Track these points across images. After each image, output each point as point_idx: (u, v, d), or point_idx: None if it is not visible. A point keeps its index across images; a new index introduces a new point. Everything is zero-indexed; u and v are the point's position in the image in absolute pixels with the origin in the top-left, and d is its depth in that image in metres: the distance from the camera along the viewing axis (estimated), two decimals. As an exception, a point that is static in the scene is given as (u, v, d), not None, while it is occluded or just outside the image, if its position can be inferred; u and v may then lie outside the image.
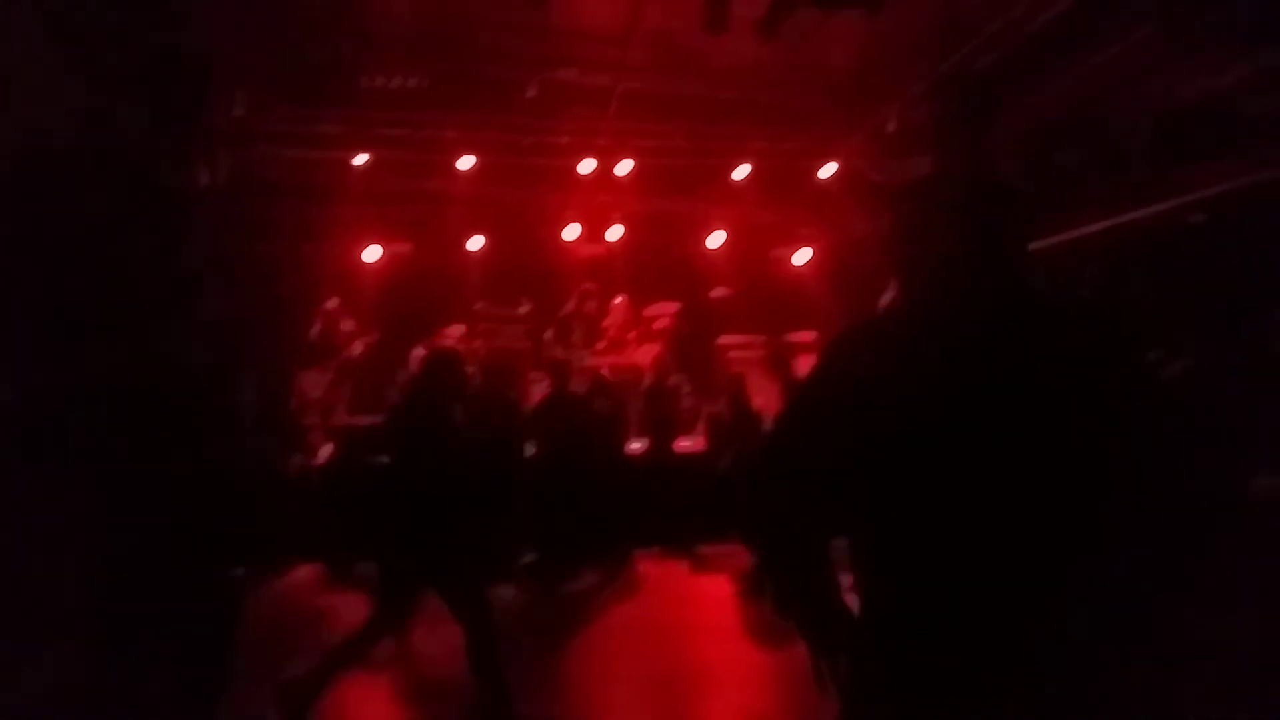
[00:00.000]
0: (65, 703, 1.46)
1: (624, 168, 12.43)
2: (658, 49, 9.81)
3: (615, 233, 13.71)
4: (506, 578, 7.93)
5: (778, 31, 8.19)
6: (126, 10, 7.50)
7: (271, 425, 8.95)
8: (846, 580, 1.84)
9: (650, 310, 12.56)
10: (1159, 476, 1.56)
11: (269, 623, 6.63)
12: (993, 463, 1.56)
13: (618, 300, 12.41)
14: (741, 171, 12.76)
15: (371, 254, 13.05)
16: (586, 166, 12.38)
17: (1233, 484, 1.66)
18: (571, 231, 13.61)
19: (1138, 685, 1.53)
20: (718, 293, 13.69)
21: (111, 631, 1.54)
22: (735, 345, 12.43)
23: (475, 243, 13.42)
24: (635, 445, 9.84)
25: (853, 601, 1.82)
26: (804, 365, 11.71)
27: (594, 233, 13.71)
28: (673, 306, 12.55)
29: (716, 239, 13.98)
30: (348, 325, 10.78)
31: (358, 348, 10.75)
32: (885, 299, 10.67)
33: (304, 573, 8.38)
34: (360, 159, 11.87)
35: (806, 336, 12.67)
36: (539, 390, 10.71)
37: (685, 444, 10.21)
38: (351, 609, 6.74)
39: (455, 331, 12.28)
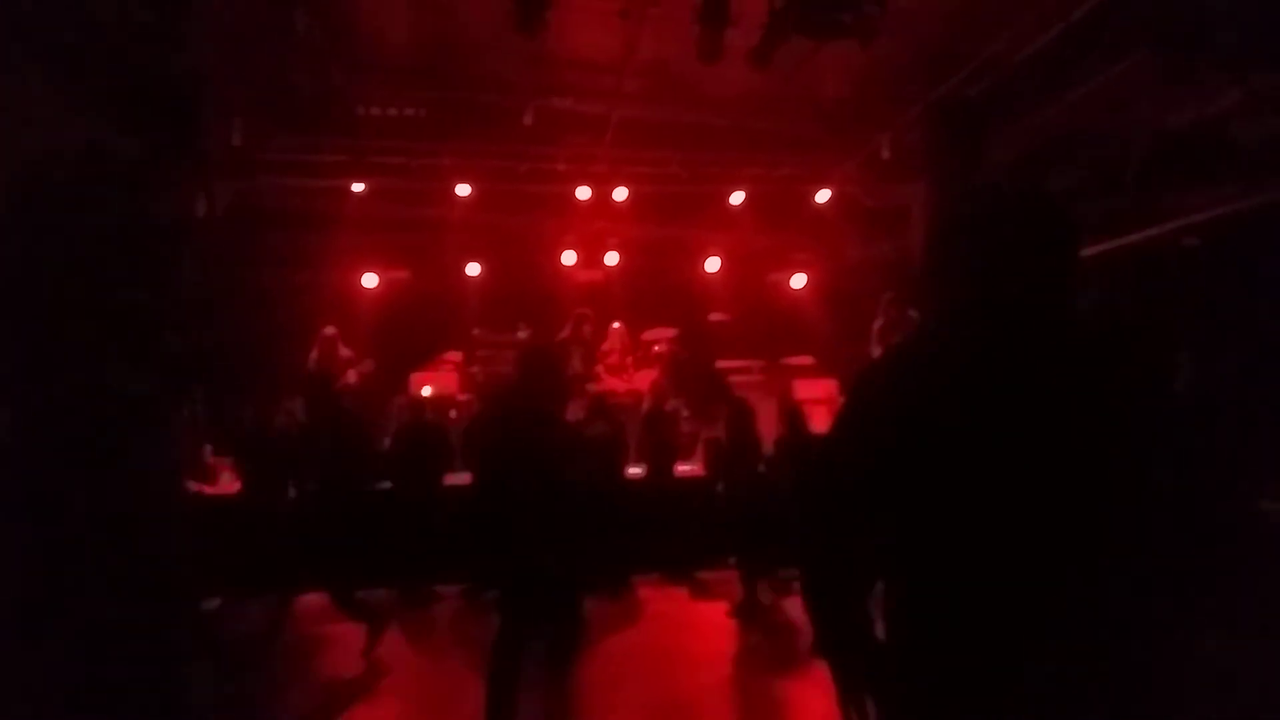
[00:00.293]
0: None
1: (620, 194, 12.51)
2: (653, 77, 9.89)
3: (612, 258, 13.78)
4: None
5: (771, 60, 8.26)
6: (123, 40, 7.55)
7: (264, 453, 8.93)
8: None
9: (648, 335, 12.60)
10: (1203, 499, 1.54)
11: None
12: (1044, 491, 1.53)
13: (615, 325, 12.45)
14: (737, 197, 12.83)
15: (370, 281, 13.11)
16: (583, 193, 12.46)
17: (1253, 506, 1.65)
18: (568, 257, 13.68)
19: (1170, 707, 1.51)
20: (715, 317, 13.74)
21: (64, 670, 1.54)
22: (733, 369, 12.46)
23: (473, 269, 13.49)
24: (634, 470, 9.84)
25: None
26: (803, 389, 11.76)
27: (591, 258, 13.78)
28: (670, 331, 12.59)
29: (713, 264, 14.05)
30: (345, 353, 10.80)
31: (353, 376, 10.76)
32: (877, 325, 10.77)
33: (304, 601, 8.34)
34: (358, 187, 11.94)
35: (803, 360, 12.71)
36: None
37: (684, 468, 10.21)
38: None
39: (454, 357, 12.32)
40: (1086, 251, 7.18)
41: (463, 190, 12.13)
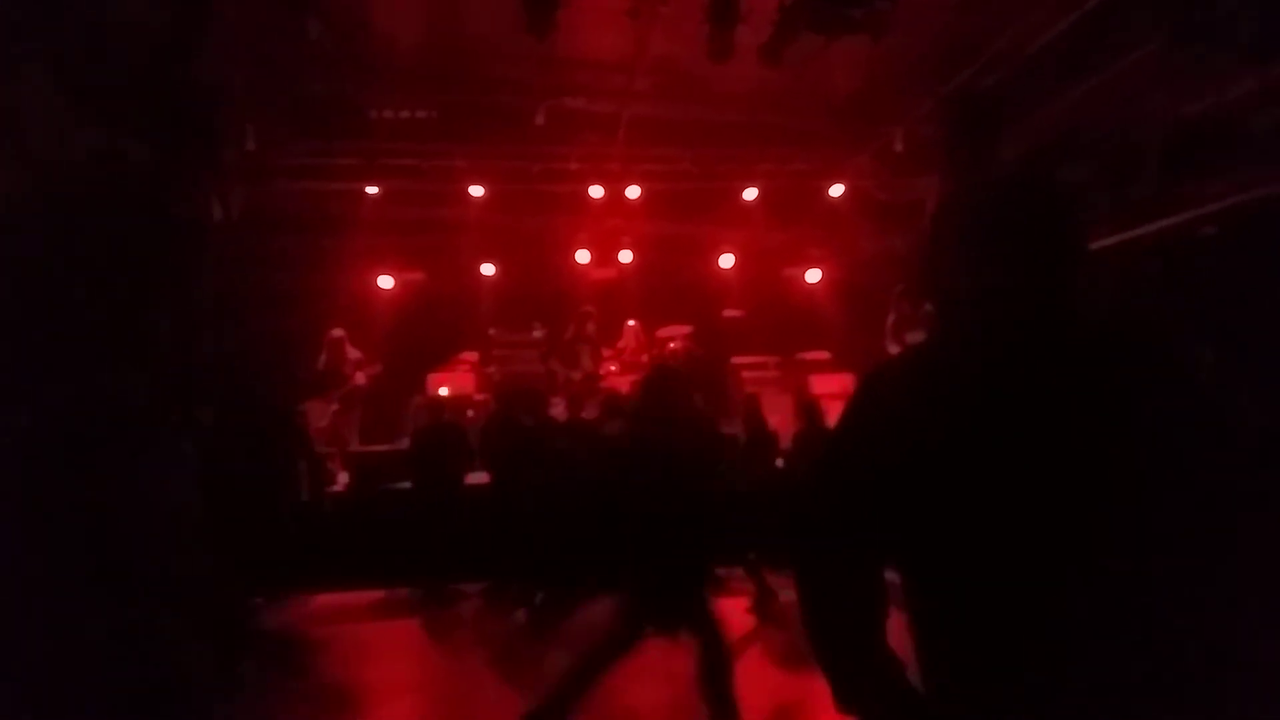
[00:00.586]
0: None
1: (633, 192, 12.51)
2: (663, 75, 9.89)
3: (626, 256, 13.79)
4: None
5: (782, 56, 8.24)
6: (137, 47, 7.61)
7: (292, 454, 8.99)
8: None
9: (663, 332, 12.59)
10: (1230, 495, 1.47)
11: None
12: (1055, 496, 1.47)
13: (630, 323, 12.45)
14: (750, 193, 12.81)
15: (385, 283, 13.16)
16: (596, 192, 12.48)
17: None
18: (582, 256, 13.69)
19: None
20: (729, 314, 13.72)
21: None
22: (748, 365, 12.45)
23: (487, 269, 13.52)
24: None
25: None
26: (819, 384, 11.73)
27: (605, 257, 13.79)
28: (685, 328, 12.58)
29: (727, 260, 14.03)
30: (353, 354, 10.82)
31: (361, 377, 10.80)
32: (890, 319, 10.72)
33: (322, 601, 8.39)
34: (372, 190, 11.98)
35: (819, 355, 12.68)
36: (556, 414, 10.77)
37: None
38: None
39: (470, 357, 12.36)
40: (1104, 242, 7.14)
41: (476, 191, 12.17)
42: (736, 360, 12.57)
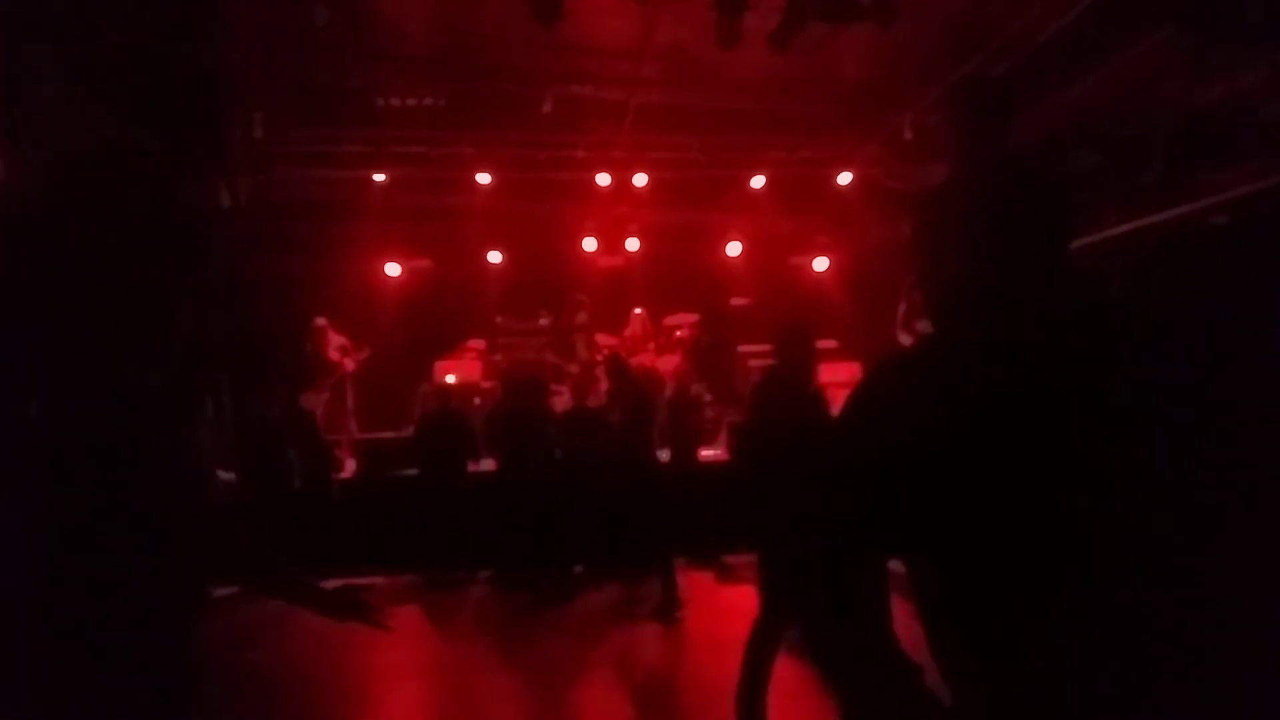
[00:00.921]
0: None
1: (640, 180, 12.48)
2: (671, 62, 9.86)
3: (633, 244, 13.78)
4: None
5: (790, 43, 8.21)
6: (146, 36, 7.61)
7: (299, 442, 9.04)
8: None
9: (670, 320, 12.60)
10: (1234, 492, 1.41)
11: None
12: (1062, 487, 1.43)
13: (637, 311, 12.46)
14: (757, 181, 12.78)
15: (392, 270, 13.19)
16: (603, 180, 12.45)
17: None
18: (590, 244, 13.69)
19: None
20: (737, 302, 13.71)
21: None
22: (755, 353, 12.44)
23: (494, 257, 13.53)
24: (659, 455, 9.85)
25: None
26: (826, 372, 11.71)
27: (612, 245, 13.79)
28: (692, 316, 12.59)
29: (734, 248, 14.01)
30: (337, 341, 10.82)
31: (350, 363, 10.82)
32: (901, 309, 10.68)
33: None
34: (379, 177, 11.99)
35: (827, 344, 12.67)
36: (560, 402, 10.80)
37: (708, 453, 10.21)
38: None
39: (477, 345, 12.38)
40: (1113, 231, 7.08)
41: (483, 179, 12.16)
42: (743, 348, 12.56)
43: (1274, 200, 6.47)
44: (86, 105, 6.87)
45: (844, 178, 12.67)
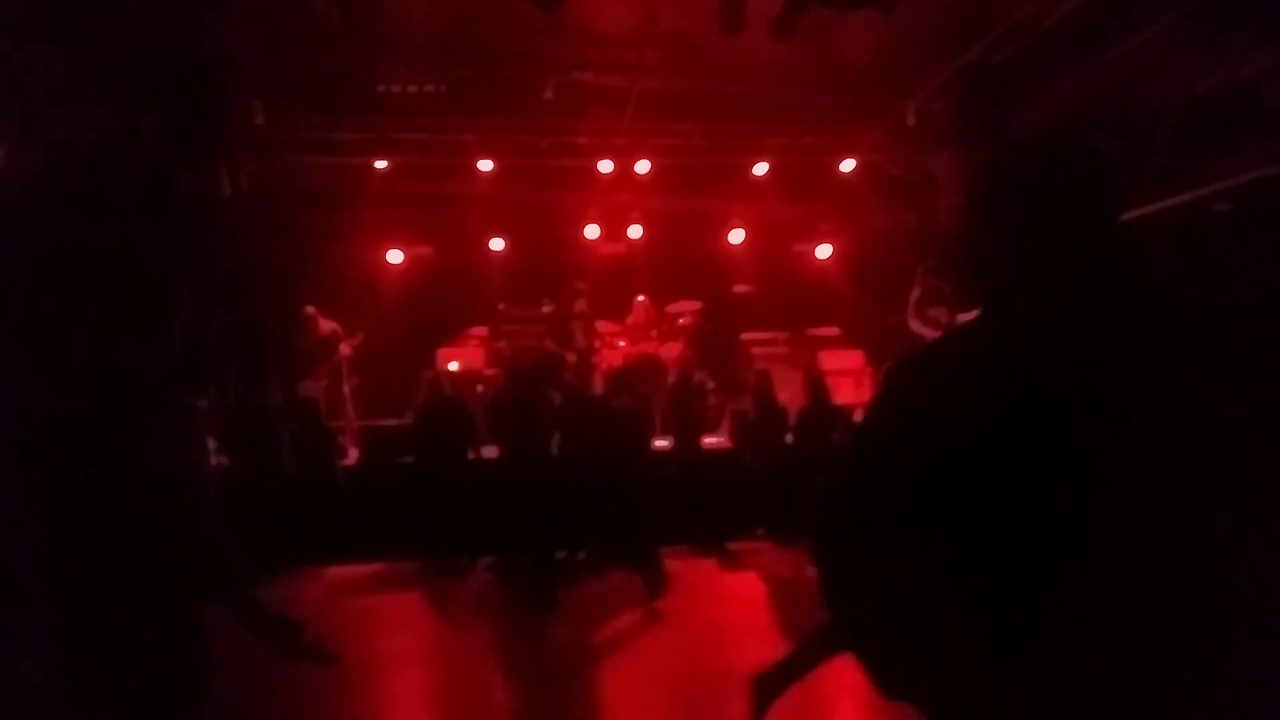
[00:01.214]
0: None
1: (643, 167, 12.45)
2: (673, 48, 9.81)
3: (635, 231, 13.77)
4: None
5: (793, 30, 8.17)
6: (145, 22, 7.58)
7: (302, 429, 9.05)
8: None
9: (672, 307, 12.59)
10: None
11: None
12: (1117, 478, 1.36)
13: (640, 299, 12.45)
14: (760, 168, 12.74)
15: (395, 257, 13.18)
16: (605, 167, 12.42)
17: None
18: (592, 231, 13.69)
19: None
20: (740, 289, 13.71)
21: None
22: (758, 341, 12.45)
23: (496, 244, 13.53)
24: (661, 442, 9.87)
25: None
26: (829, 360, 11.73)
27: (614, 232, 13.79)
28: (695, 304, 12.58)
29: (737, 236, 14.00)
30: (327, 327, 10.80)
31: (346, 349, 10.82)
32: (914, 295, 10.66)
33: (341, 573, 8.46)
34: (381, 164, 11.97)
35: (829, 331, 12.68)
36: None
37: (711, 440, 10.22)
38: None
39: (479, 332, 12.39)
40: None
41: (485, 166, 12.13)
42: (746, 336, 12.57)
43: (1278, 187, 6.45)
44: (87, 94, 6.86)
45: (847, 165, 12.63)
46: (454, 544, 8.66)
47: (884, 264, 12.73)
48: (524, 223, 13.32)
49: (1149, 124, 7.98)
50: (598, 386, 10.00)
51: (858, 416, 9.44)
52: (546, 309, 12.23)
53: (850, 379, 11.62)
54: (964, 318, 10.20)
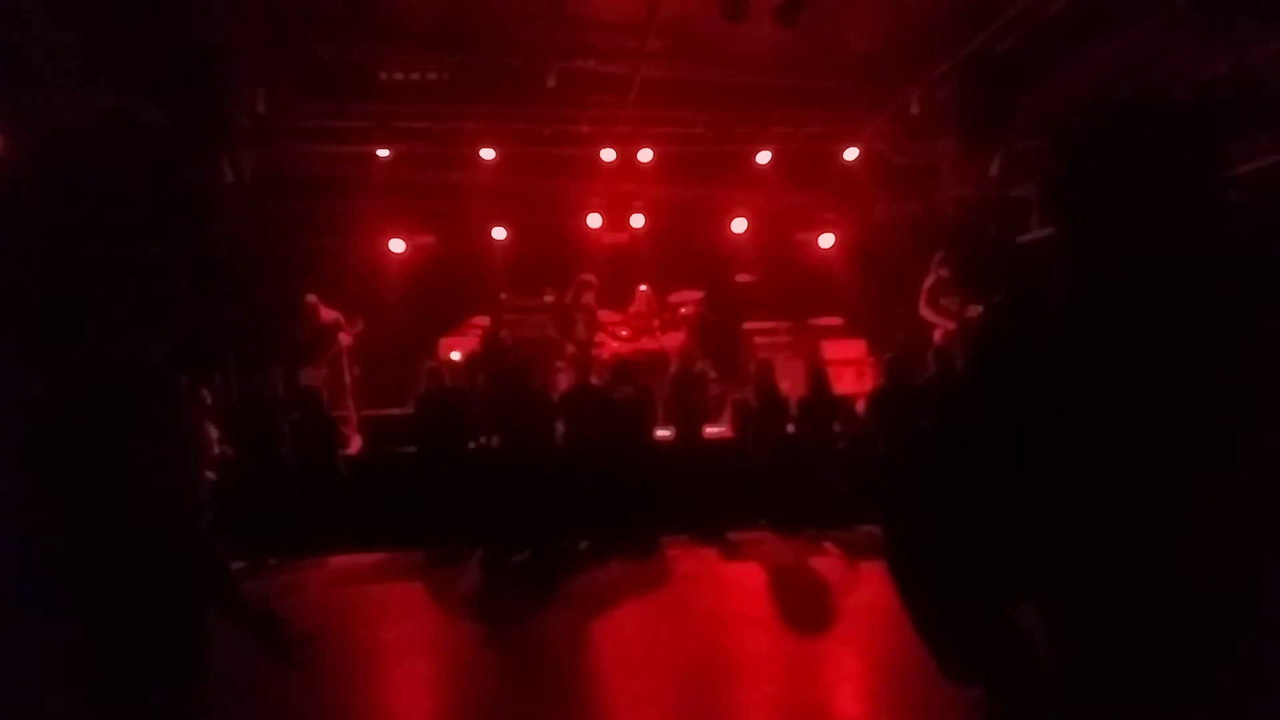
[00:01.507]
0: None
1: (645, 155, 12.41)
2: (676, 36, 9.78)
3: (638, 220, 13.75)
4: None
5: (797, 17, 8.13)
6: (148, 11, 7.56)
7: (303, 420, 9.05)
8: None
9: (674, 297, 12.56)
10: None
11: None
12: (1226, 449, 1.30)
13: (642, 288, 12.42)
14: (763, 157, 12.70)
15: (397, 246, 13.16)
16: (608, 155, 12.38)
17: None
18: (594, 220, 13.66)
19: None
20: (742, 278, 13.68)
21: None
22: (760, 331, 12.42)
23: (499, 233, 13.51)
24: (663, 432, 9.86)
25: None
26: (831, 349, 11.71)
27: (617, 221, 13.77)
28: (697, 293, 12.55)
29: (739, 225, 13.97)
30: (329, 316, 10.77)
31: (346, 338, 10.80)
32: (928, 282, 10.61)
33: (341, 562, 8.46)
34: (383, 152, 11.94)
35: (832, 320, 12.65)
36: (565, 379, 10.80)
37: (713, 430, 10.22)
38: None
39: (481, 321, 12.36)
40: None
41: (487, 154, 12.11)
42: (748, 325, 12.54)
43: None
44: (89, 82, 6.84)
45: (850, 153, 12.59)
46: (456, 533, 8.66)
47: (887, 253, 12.70)
48: (526, 211, 13.30)
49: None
50: (598, 376, 9.99)
51: (859, 406, 9.44)
52: (549, 298, 12.20)
53: (852, 369, 11.60)
54: (974, 310, 10.21)
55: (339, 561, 8.52)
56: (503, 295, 12.71)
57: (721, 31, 8.74)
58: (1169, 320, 1.36)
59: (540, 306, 12.25)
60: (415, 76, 10.69)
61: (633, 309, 12.35)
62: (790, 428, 9.39)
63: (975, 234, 10.81)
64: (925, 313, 10.60)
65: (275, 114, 10.59)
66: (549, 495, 8.50)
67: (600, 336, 11.79)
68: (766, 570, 7.88)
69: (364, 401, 11.13)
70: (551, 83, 10.37)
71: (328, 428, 9.17)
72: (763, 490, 9.26)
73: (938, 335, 10.25)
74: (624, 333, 12.08)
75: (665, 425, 9.96)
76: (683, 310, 12.28)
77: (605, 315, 12.09)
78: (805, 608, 6.87)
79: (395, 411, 10.72)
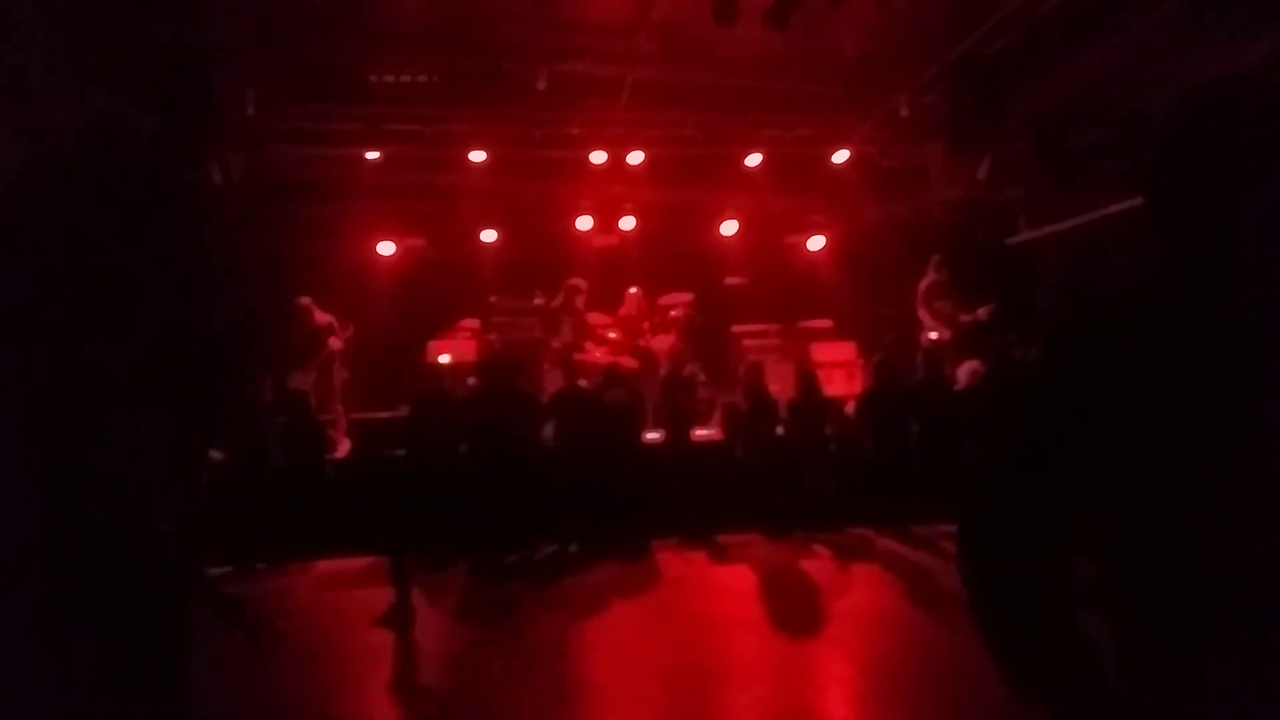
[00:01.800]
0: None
1: (636, 158, 12.41)
2: (667, 39, 9.77)
3: (628, 223, 13.73)
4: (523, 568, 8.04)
5: (787, 20, 8.14)
6: (138, 14, 7.53)
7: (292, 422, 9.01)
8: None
9: (664, 300, 12.54)
10: None
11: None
12: None
13: (632, 290, 12.40)
14: (753, 159, 12.71)
15: (386, 249, 13.12)
16: (598, 157, 12.37)
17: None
18: (584, 223, 13.64)
19: None
20: (732, 281, 13.68)
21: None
22: (750, 333, 12.42)
23: (488, 236, 13.47)
24: (652, 435, 9.85)
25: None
26: (821, 352, 11.72)
27: (607, 223, 13.75)
28: (686, 296, 12.53)
29: (729, 227, 13.97)
30: (321, 319, 10.73)
31: (337, 342, 10.76)
32: (924, 284, 10.62)
33: (325, 567, 8.42)
34: (372, 155, 11.90)
35: (822, 323, 12.66)
36: (554, 382, 10.77)
37: (702, 433, 10.21)
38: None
39: (470, 324, 12.33)
40: (1117, 208, 6.94)
41: (477, 157, 12.08)
42: (738, 328, 12.54)
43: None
44: (79, 85, 6.81)
45: (840, 156, 12.61)
46: (445, 536, 8.61)
47: (876, 256, 12.72)
48: (516, 214, 13.28)
49: (1145, 113, 7.95)
50: (584, 378, 9.98)
51: (849, 409, 9.45)
52: (538, 301, 12.18)
53: (842, 371, 11.60)
54: (966, 316, 10.24)
55: (326, 566, 8.47)
56: (492, 298, 12.67)
57: (712, 34, 8.75)
58: (1258, 327, 1.29)
59: (529, 309, 12.22)
60: (405, 79, 10.68)
61: (622, 311, 12.33)
62: (780, 430, 9.39)
63: (964, 237, 10.84)
64: (920, 313, 10.64)
65: (265, 116, 10.56)
66: (539, 498, 8.48)
67: (587, 344, 11.76)
68: (756, 573, 7.87)
69: (353, 405, 11.09)
70: (542, 85, 10.37)
71: (315, 432, 9.13)
72: (752, 493, 9.25)
73: (927, 337, 10.28)
74: (613, 335, 12.06)
75: (654, 428, 9.95)
76: (672, 313, 12.26)
77: (595, 318, 12.06)
78: (795, 610, 6.86)
79: (384, 415, 10.67)
